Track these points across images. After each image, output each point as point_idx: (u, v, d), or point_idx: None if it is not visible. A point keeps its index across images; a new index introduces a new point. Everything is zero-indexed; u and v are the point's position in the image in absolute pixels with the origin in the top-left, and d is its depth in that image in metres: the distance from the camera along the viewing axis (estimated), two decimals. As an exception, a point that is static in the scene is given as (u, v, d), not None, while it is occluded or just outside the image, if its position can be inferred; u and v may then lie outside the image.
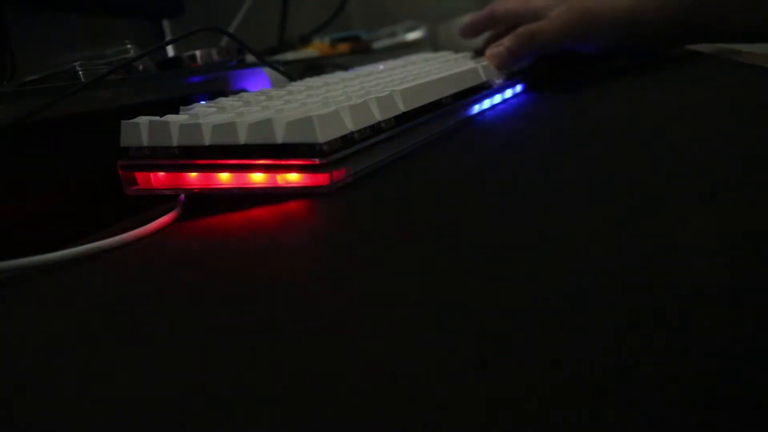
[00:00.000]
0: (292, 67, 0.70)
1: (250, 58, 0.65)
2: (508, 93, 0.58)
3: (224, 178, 0.38)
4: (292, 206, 0.35)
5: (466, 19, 0.69)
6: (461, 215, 0.29)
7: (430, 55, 0.71)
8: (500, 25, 0.68)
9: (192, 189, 0.38)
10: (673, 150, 0.32)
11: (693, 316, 0.17)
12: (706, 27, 0.58)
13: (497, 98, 0.56)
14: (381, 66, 0.62)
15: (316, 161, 0.35)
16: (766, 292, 0.17)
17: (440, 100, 0.47)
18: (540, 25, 0.58)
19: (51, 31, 0.73)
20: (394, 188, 0.36)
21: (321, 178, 0.35)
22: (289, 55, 0.79)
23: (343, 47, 0.88)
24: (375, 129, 0.39)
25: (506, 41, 0.58)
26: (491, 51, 0.58)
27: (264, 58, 0.63)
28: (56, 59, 0.51)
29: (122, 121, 0.39)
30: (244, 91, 0.54)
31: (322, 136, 0.35)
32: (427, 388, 0.16)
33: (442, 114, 0.47)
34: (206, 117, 0.39)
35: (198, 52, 0.60)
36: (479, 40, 0.70)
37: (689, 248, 0.21)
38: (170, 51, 0.75)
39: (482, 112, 0.53)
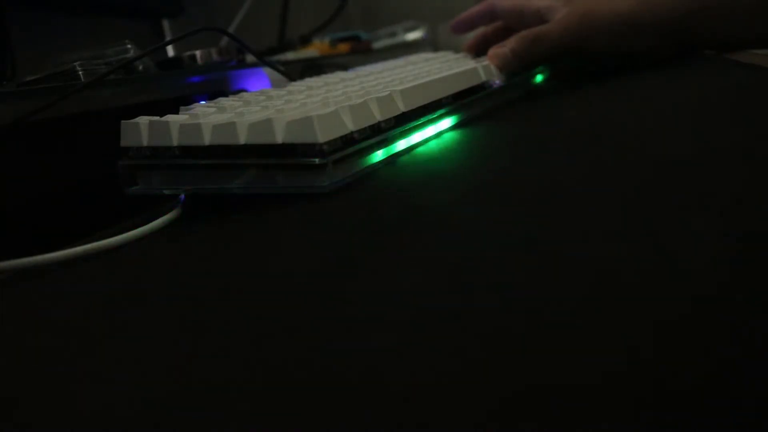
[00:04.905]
0: (292, 67, 0.70)
1: (250, 58, 0.65)
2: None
3: (225, 177, 0.37)
4: (292, 206, 0.35)
5: (460, 15, 0.69)
6: (461, 215, 0.29)
7: (430, 55, 0.71)
8: (496, 21, 0.68)
9: (192, 189, 0.38)
10: (673, 150, 0.32)
11: (692, 316, 0.17)
12: (706, 33, 0.58)
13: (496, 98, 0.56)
14: (381, 66, 0.62)
15: (316, 161, 0.35)
16: (766, 292, 0.17)
17: (440, 100, 0.47)
18: (543, 29, 0.58)
19: (51, 31, 0.73)
20: (394, 188, 0.36)
21: (321, 178, 0.35)
22: (289, 55, 0.79)
23: (343, 47, 0.88)
24: (375, 129, 0.39)
25: (510, 43, 0.58)
26: (494, 51, 0.58)
27: (264, 58, 0.63)
28: (56, 59, 0.51)
29: (122, 121, 0.39)
30: (244, 91, 0.54)
31: (322, 136, 0.35)
32: (429, 387, 0.16)
33: (442, 114, 0.47)
34: (206, 117, 0.39)
35: (198, 52, 0.60)
36: (470, 36, 0.70)
37: (688, 248, 0.21)
38: (170, 51, 0.75)
39: (483, 112, 0.53)
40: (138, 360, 0.21)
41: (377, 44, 0.95)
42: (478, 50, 0.67)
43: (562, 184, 0.30)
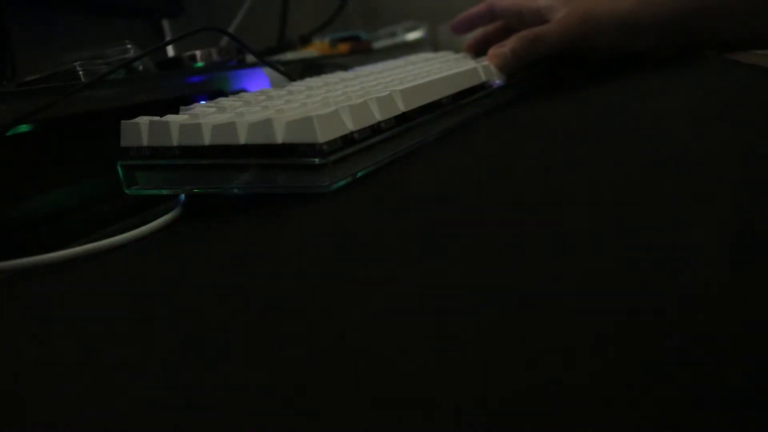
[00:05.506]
0: (292, 67, 0.70)
1: (250, 58, 0.65)
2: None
3: (225, 177, 0.37)
4: (292, 206, 0.35)
5: (461, 15, 0.69)
6: (461, 215, 0.29)
7: (430, 55, 0.71)
8: (496, 21, 0.68)
9: (192, 189, 0.38)
10: (673, 150, 0.32)
11: (693, 316, 0.17)
12: (706, 33, 0.58)
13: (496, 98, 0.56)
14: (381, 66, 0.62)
15: (316, 161, 0.35)
16: (766, 293, 0.17)
17: (440, 100, 0.47)
18: (543, 29, 0.58)
19: (51, 31, 0.73)
20: (394, 188, 0.36)
21: (321, 178, 0.35)
22: (289, 55, 0.79)
23: (343, 47, 0.88)
24: (375, 129, 0.39)
25: (510, 43, 0.58)
26: (494, 51, 0.58)
27: (264, 58, 0.63)
28: (56, 59, 0.51)
29: (122, 121, 0.39)
30: (244, 91, 0.54)
31: (322, 136, 0.35)
32: (427, 386, 0.16)
33: (442, 114, 0.47)
34: (206, 117, 0.39)
35: (198, 52, 0.60)
36: (470, 36, 0.70)
37: (688, 248, 0.21)
38: (170, 51, 0.75)
39: (482, 111, 0.53)
40: (138, 360, 0.21)
41: (377, 44, 0.95)
42: (478, 50, 0.67)
43: (562, 183, 0.30)
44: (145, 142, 0.38)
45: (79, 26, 0.76)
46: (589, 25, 0.59)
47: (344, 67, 0.68)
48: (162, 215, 0.38)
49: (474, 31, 0.71)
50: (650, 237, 0.22)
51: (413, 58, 0.68)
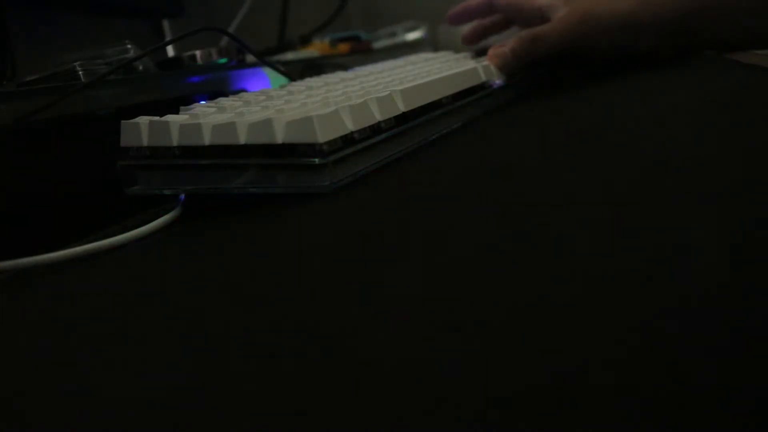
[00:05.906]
0: (292, 67, 0.70)
1: (250, 58, 0.65)
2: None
3: (225, 177, 0.37)
4: (292, 206, 0.35)
5: (458, 6, 0.69)
6: (461, 215, 0.29)
7: (430, 55, 0.71)
8: (495, 15, 0.68)
9: (192, 189, 0.38)
10: (673, 150, 0.32)
11: (693, 316, 0.17)
12: (706, 33, 0.58)
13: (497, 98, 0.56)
14: (381, 66, 0.62)
15: (316, 161, 0.35)
16: (766, 292, 0.17)
17: (440, 100, 0.47)
18: (543, 29, 0.59)
19: (51, 31, 0.73)
20: (394, 188, 0.36)
21: (321, 178, 0.35)
22: (289, 55, 0.79)
23: (343, 47, 0.89)
24: (375, 129, 0.39)
25: (510, 43, 0.58)
26: (494, 51, 0.58)
27: (264, 58, 0.63)
28: (56, 59, 0.51)
29: (122, 121, 0.39)
30: (244, 91, 0.54)
31: (322, 136, 0.35)
32: (427, 386, 0.16)
33: (442, 114, 0.47)
34: (206, 117, 0.39)
35: (198, 52, 0.60)
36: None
37: (688, 248, 0.21)
38: (170, 51, 0.75)
39: (482, 111, 0.53)
40: (139, 360, 0.21)
41: (377, 44, 0.95)
42: (477, 39, 0.67)
43: (562, 183, 0.30)
44: (144, 142, 0.38)
45: (79, 26, 0.76)
46: (589, 25, 0.59)
47: (344, 67, 0.68)
48: (162, 215, 0.38)
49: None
50: (650, 237, 0.22)
51: (413, 58, 0.68)
